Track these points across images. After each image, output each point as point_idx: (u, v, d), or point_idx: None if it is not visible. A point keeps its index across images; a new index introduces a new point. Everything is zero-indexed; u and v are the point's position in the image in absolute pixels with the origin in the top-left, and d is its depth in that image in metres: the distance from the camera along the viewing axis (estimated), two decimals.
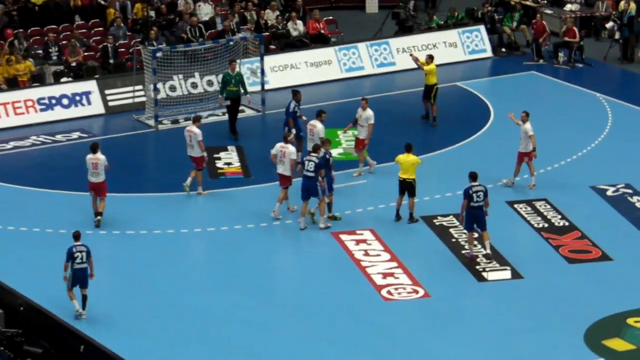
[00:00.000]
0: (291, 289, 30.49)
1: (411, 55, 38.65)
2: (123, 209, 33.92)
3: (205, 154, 34.27)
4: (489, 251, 31.21)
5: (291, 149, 33.35)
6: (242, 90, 39.03)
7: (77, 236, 29.10)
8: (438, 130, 36.91)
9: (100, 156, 32.91)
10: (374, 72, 43.01)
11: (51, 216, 33.41)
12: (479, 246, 31.53)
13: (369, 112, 35.46)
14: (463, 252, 31.51)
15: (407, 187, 32.60)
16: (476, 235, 31.34)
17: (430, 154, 36.09)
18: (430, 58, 39.60)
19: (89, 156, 33.11)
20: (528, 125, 34.48)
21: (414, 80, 42.27)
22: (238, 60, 40.31)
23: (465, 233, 31.81)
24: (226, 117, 38.87)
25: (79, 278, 28.95)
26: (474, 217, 31.11)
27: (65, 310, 28.25)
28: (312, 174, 32.12)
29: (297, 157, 33.41)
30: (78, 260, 28.95)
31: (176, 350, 27.41)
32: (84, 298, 29.01)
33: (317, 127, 34.41)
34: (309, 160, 32.29)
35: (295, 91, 36.03)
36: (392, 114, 40.22)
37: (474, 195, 30.90)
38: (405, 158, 32.65)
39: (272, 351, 27.48)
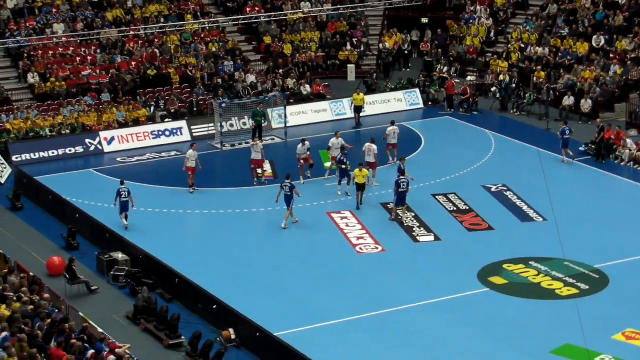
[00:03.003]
0: (298, 246, 30.34)
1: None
2: (203, 197, 33.85)
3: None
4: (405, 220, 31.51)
5: (374, 147, 34.20)
6: (264, 120, 39.14)
7: (122, 182, 31.08)
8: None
9: (192, 153, 33.94)
10: (352, 117, 42.85)
11: (159, 201, 33.42)
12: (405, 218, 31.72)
13: (341, 140, 35.25)
14: (405, 223, 31.44)
15: (360, 187, 32.58)
16: (400, 209, 31.57)
17: (387, 165, 36.00)
18: (358, 93, 42.22)
19: (189, 152, 34.11)
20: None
21: (376, 119, 42.12)
22: (269, 110, 40.44)
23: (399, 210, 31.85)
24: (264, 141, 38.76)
25: (124, 206, 30.61)
26: (401, 197, 31.29)
27: (168, 257, 28.18)
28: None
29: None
30: (124, 196, 30.59)
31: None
32: (126, 217, 30.70)
33: (372, 147, 34.50)
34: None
35: (402, 158, 33.84)
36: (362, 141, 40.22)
37: (401, 183, 31.18)
38: (358, 172, 32.37)
39: (283, 285, 27.50)
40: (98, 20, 45.86)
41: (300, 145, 35.02)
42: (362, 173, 32.43)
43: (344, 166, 33.36)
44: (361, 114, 42.21)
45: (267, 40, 48.38)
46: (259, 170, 35.04)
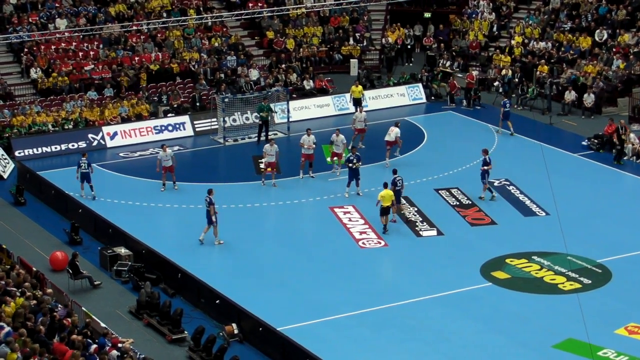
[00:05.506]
0: (303, 241, 30.32)
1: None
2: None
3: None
4: (395, 219, 30.99)
5: (396, 129, 35.42)
6: (270, 115, 38.97)
7: (83, 154, 32.35)
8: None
9: (164, 153, 33.73)
10: (354, 111, 42.68)
11: (161, 196, 33.35)
12: (407, 212, 31.52)
13: (341, 137, 35.11)
14: (406, 215, 31.36)
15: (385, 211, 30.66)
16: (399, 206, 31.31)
17: (392, 160, 35.81)
18: (356, 85, 41.94)
19: (160, 153, 33.47)
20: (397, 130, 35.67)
21: (377, 115, 41.96)
22: (272, 105, 40.21)
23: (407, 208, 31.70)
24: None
25: (85, 177, 31.96)
26: (397, 196, 31.00)
27: (170, 252, 28.14)
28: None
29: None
30: (83, 167, 31.80)
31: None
32: (91, 187, 31.82)
33: (395, 130, 35.53)
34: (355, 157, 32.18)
35: (486, 150, 33.35)
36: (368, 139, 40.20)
37: (397, 181, 30.97)
38: (388, 193, 30.44)
39: (285, 280, 27.51)
40: (100, 15, 45.81)
41: (305, 136, 34.94)
42: (388, 194, 30.29)
43: (351, 165, 32.97)
44: (363, 109, 42.11)
45: (270, 35, 48.31)
46: (269, 169, 34.65)
